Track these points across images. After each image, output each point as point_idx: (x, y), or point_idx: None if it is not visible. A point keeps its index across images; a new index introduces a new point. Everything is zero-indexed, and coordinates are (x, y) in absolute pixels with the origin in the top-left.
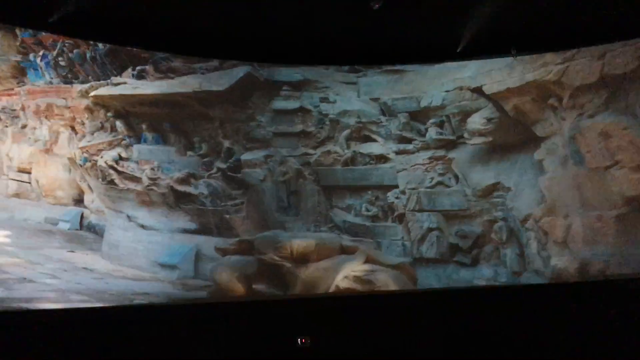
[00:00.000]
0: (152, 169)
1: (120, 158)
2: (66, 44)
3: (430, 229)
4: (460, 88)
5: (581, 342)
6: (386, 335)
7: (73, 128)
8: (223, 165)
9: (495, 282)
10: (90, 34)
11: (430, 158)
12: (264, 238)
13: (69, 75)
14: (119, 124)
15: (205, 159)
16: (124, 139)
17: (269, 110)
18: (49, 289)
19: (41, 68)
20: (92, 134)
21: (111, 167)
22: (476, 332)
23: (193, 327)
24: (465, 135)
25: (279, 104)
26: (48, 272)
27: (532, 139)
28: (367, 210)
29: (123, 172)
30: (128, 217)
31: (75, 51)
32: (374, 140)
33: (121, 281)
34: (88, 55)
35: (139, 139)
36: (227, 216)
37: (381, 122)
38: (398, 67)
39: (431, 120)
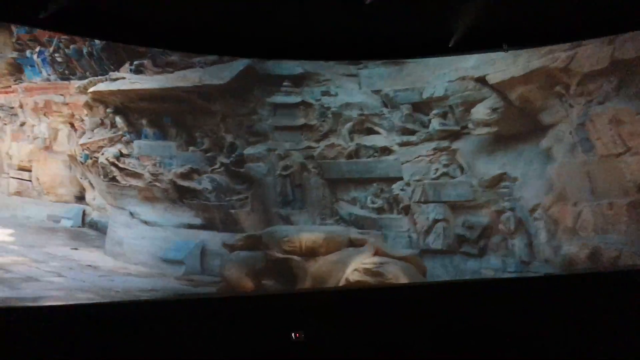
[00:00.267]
0: (154, 164)
1: (121, 154)
2: (62, 40)
3: (436, 220)
4: (463, 78)
5: (592, 334)
6: (394, 328)
7: (72, 125)
8: (226, 160)
9: (503, 273)
10: (86, 31)
11: (434, 149)
12: (270, 233)
13: (66, 72)
14: (118, 119)
15: (208, 154)
16: (124, 135)
17: (270, 104)
18: (55, 287)
19: (38, 65)
20: (92, 130)
21: (112, 163)
22: (486, 323)
23: (200, 322)
24: (470, 125)
25: (280, 98)
26: (53, 270)
27: (537, 127)
28: (373, 202)
29: (124, 169)
30: (131, 213)
31: (71, 47)
32: (377, 133)
33: (126, 278)
34: (85, 50)
35: (139, 135)
36: (232, 211)
37: (383, 114)
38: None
39: (434, 111)
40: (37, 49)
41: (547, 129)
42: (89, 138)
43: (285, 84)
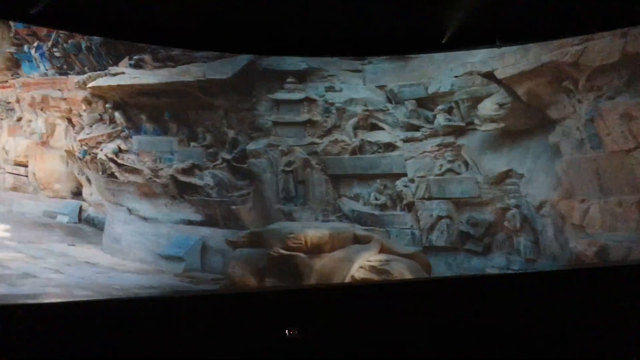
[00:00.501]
0: (153, 160)
1: (120, 150)
2: (61, 35)
3: (440, 217)
4: (470, 73)
5: (598, 329)
6: (395, 324)
7: (70, 120)
8: (228, 156)
9: (507, 271)
10: (82, 27)
11: (439, 145)
12: (275, 229)
13: (64, 66)
14: (117, 115)
15: (209, 150)
16: (123, 131)
17: (274, 99)
18: (53, 284)
19: (36, 59)
20: (91, 126)
21: (111, 159)
22: (490, 319)
23: (200, 319)
24: (476, 121)
25: (284, 95)
26: (51, 267)
27: (544, 122)
28: (376, 199)
29: (123, 165)
30: (129, 210)
31: (70, 41)
32: (381, 129)
33: (125, 275)
34: (83, 45)
35: (138, 131)
36: (234, 207)
37: (388, 109)
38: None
39: (439, 107)
40: (35, 44)
41: (554, 124)
42: (88, 134)
43: (289, 79)
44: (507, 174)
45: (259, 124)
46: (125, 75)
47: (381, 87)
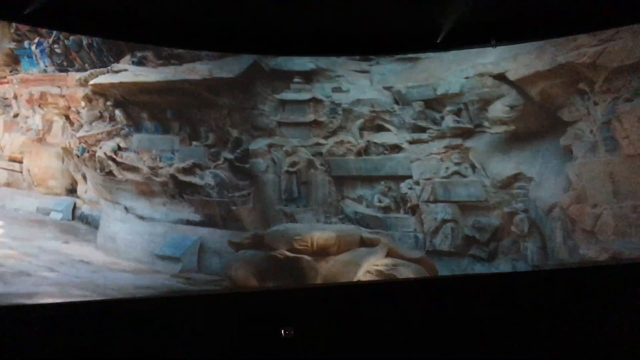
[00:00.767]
0: (153, 158)
1: (119, 148)
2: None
3: (444, 221)
4: (481, 75)
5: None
6: (394, 324)
7: (67, 117)
8: (230, 156)
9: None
10: (85, 27)
11: (445, 147)
12: (280, 231)
13: (65, 63)
14: (118, 113)
15: (212, 149)
16: (123, 129)
17: (280, 99)
18: (47, 283)
19: (36, 56)
20: (91, 123)
21: (110, 157)
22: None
23: (197, 320)
24: (486, 123)
25: (291, 95)
26: (45, 265)
27: (555, 124)
28: (380, 201)
29: (122, 163)
30: (125, 208)
31: (71, 38)
32: (388, 130)
33: (121, 275)
34: (84, 42)
35: (139, 128)
36: (234, 207)
37: (394, 111)
38: (411, 55)
39: (448, 108)
40: (36, 40)
41: (565, 126)
42: (87, 131)
43: (295, 79)
44: (516, 178)
45: (264, 124)
46: (128, 72)
47: (388, 88)
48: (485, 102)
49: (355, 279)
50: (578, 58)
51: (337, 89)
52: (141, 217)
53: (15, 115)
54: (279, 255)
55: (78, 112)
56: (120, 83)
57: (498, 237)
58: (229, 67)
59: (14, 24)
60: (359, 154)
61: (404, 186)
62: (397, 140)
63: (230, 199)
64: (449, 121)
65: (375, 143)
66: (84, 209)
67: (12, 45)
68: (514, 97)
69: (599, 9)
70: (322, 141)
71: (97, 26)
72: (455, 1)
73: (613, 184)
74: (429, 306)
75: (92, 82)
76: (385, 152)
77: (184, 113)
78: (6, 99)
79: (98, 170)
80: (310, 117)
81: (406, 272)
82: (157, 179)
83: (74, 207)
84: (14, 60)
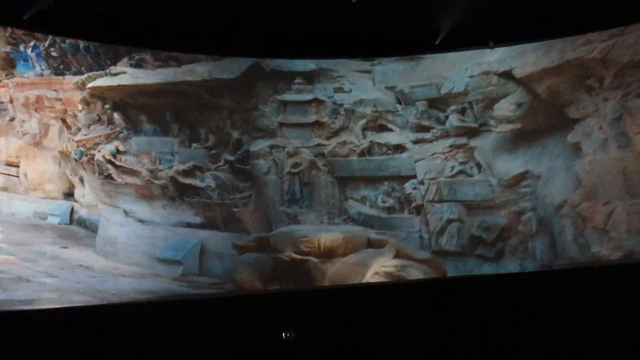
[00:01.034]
0: (152, 161)
1: (118, 151)
2: None
3: (450, 220)
4: (487, 73)
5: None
6: (397, 325)
7: (64, 121)
8: (231, 158)
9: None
10: (82, 32)
11: (450, 146)
12: (285, 233)
13: (61, 66)
14: (116, 116)
15: (212, 151)
16: (122, 132)
17: (281, 100)
18: (48, 288)
19: (32, 59)
20: (88, 127)
21: (108, 161)
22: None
23: (200, 324)
24: (492, 122)
25: (292, 96)
26: (44, 271)
27: (562, 122)
28: (383, 201)
29: (121, 166)
30: (125, 212)
31: (68, 41)
32: (390, 130)
33: (121, 279)
34: (81, 45)
35: (137, 131)
36: (235, 210)
37: (397, 111)
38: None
39: (452, 107)
40: (32, 43)
41: (572, 123)
42: (85, 135)
43: (297, 80)
44: (523, 176)
45: (265, 125)
46: (127, 75)
47: (391, 87)
48: (490, 101)
49: (363, 281)
50: (587, 54)
51: (339, 90)
52: (141, 221)
53: (12, 119)
54: (285, 257)
55: (75, 116)
56: (119, 86)
57: (505, 236)
58: (229, 68)
59: (9, 27)
60: (362, 154)
61: (408, 186)
62: (400, 140)
63: (231, 201)
64: (453, 120)
65: (378, 143)
66: (82, 212)
67: (8, 48)
68: (520, 95)
69: (600, 9)
70: (324, 142)
71: (95, 31)
72: (454, 3)
73: (625, 181)
74: (437, 307)
75: (89, 85)
76: (389, 152)
77: (183, 115)
78: (2, 102)
79: (97, 174)
80: (312, 117)
81: (415, 273)
82: (157, 182)
83: (72, 211)
84: (9, 64)
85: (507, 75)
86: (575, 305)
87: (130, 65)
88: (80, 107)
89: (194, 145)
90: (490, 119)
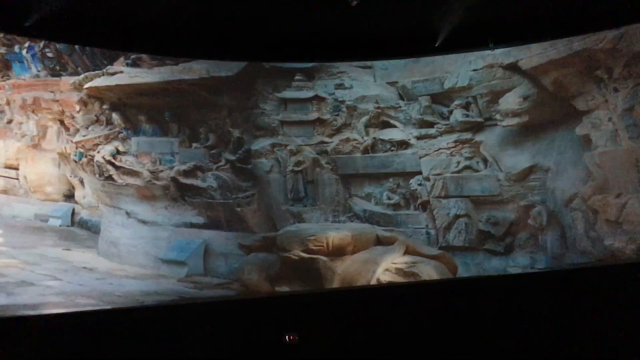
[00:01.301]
0: (153, 161)
1: (118, 152)
2: None
3: (457, 216)
4: (491, 66)
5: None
6: (403, 325)
7: (62, 122)
8: (232, 157)
9: (532, 270)
10: (78, 37)
11: (455, 142)
12: (292, 231)
13: (57, 67)
14: (115, 116)
15: (212, 151)
16: (121, 132)
17: (281, 97)
18: (53, 292)
19: (27, 60)
20: (87, 127)
21: (108, 162)
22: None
23: (209, 325)
24: (497, 116)
25: (292, 93)
26: (48, 274)
27: (570, 114)
28: (389, 198)
29: (121, 167)
30: (127, 213)
31: None
32: (394, 126)
33: (126, 281)
34: (77, 45)
35: (136, 131)
36: (238, 209)
37: (400, 106)
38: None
39: (455, 102)
40: (27, 44)
41: (580, 115)
42: (84, 136)
43: (297, 77)
44: (531, 169)
45: (265, 123)
46: (124, 74)
47: (392, 83)
48: (495, 95)
49: (374, 278)
50: (596, 44)
51: (339, 86)
52: (143, 222)
53: (9, 122)
54: (293, 256)
55: (73, 117)
56: (117, 85)
57: (514, 230)
58: (227, 66)
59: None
60: (365, 151)
61: (413, 182)
62: (404, 136)
63: (234, 201)
64: (457, 115)
65: (381, 140)
66: (83, 214)
67: (3, 50)
68: (527, 88)
69: (599, 9)
70: (326, 139)
71: (92, 35)
72: (453, 5)
73: (638, 172)
74: (448, 307)
75: (87, 85)
76: (393, 148)
77: (182, 114)
78: None
79: (97, 175)
80: (314, 115)
81: (426, 268)
82: (158, 183)
83: (73, 213)
84: (5, 66)
85: (513, 67)
86: (588, 304)
87: (127, 64)
88: (77, 108)
89: (194, 145)
90: (496, 113)
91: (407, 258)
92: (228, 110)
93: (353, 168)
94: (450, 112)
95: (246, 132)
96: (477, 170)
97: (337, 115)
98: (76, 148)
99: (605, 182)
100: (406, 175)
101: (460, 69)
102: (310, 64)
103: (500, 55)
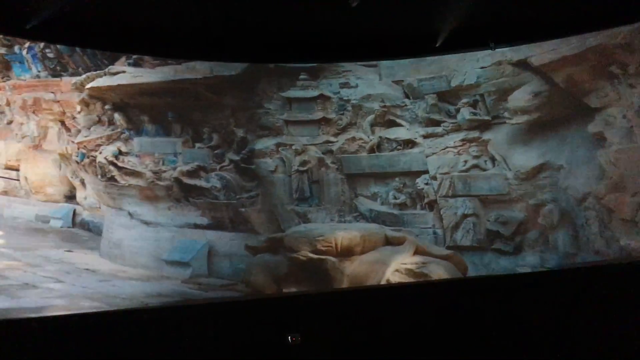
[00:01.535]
0: (156, 162)
1: (120, 153)
2: None
3: (465, 215)
4: (499, 63)
5: None
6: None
7: (63, 123)
8: (236, 157)
9: (542, 270)
10: (79, 39)
11: (462, 140)
12: (300, 232)
13: (58, 68)
14: (117, 116)
15: (216, 151)
16: (123, 132)
17: (286, 96)
18: (56, 295)
19: (28, 61)
20: (89, 128)
21: (111, 162)
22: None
23: (216, 327)
24: (506, 114)
25: (297, 93)
26: (50, 276)
27: (581, 111)
28: (395, 197)
29: (124, 168)
30: (130, 214)
31: None
32: (400, 125)
33: (129, 282)
34: (79, 47)
35: (139, 132)
36: (242, 209)
37: (405, 105)
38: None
39: (463, 100)
40: (27, 45)
41: (592, 112)
42: (86, 136)
43: (301, 76)
44: (542, 168)
45: (270, 123)
46: (126, 74)
47: (398, 81)
48: (503, 92)
49: (383, 279)
50: (611, 39)
51: (345, 85)
52: (146, 223)
53: (9, 122)
54: (301, 257)
55: (74, 118)
56: (119, 85)
57: (523, 230)
58: (230, 64)
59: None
60: (371, 150)
61: (420, 181)
62: (410, 135)
63: (238, 201)
64: (465, 113)
65: (387, 139)
66: (84, 215)
67: (3, 50)
68: (537, 84)
69: (614, 3)
70: (332, 139)
71: (92, 38)
72: (454, 4)
73: None
74: (457, 307)
75: (89, 85)
76: (399, 147)
77: (185, 114)
78: None
79: (99, 176)
80: (319, 114)
81: (437, 269)
82: (161, 183)
83: (74, 214)
84: (5, 66)
85: (523, 64)
86: (602, 303)
87: (129, 64)
88: (78, 108)
89: (198, 145)
90: (504, 111)
91: (417, 258)
92: (232, 110)
93: (359, 167)
94: (458, 111)
95: (250, 131)
96: (484, 169)
97: (343, 114)
98: (78, 149)
99: (620, 180)
100: (412, 175)
101: (467, 66)
102: (314, 63)
103: (510, 52)
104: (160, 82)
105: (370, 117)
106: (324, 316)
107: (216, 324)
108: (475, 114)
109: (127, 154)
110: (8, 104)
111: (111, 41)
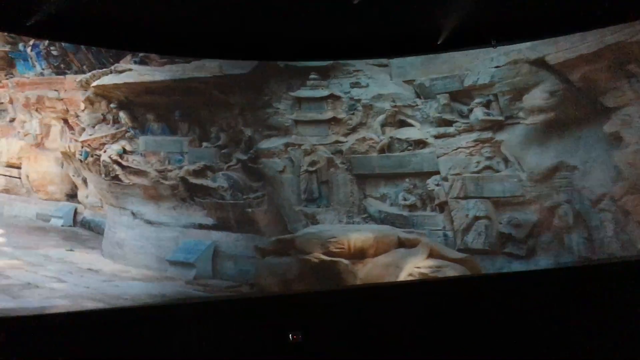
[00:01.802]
0: (160, 161)
1: (125, 151)
2: None
3: (476, 217)
4: (515, 62)
5: None
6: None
7: (66, 121)
8: (243, 157)
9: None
10: (84, 37)
11: (475, 141)
12: (312, 233)
13: (62, 66)
14: (122, 115)
15: (223, 150)
16: (128, 131)
17: (295, 96)
18: (58, 295)
19: (32, 58)
20: (93, 126)
21: (115, 161)
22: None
23: (219, 327)
24: (520, 114)
25: (307, 92)
26: (52, 275)
27: (597, 110)
28: (405, 199)
29: (128, 167)
30: (133, 213)
31: None
32: (411, 125)
33: (132, 283)
34: (84, 45)
35: (144, 130)
36: (249, 210)
37: (417, 105)
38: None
39: (476, 100)
40: (31, 42)
41: (609, 112)
42: (90, 135)
43: (312, 76)
44: (557, 168)
45: (279, 123)
46: (133, 72)
47: (409, 81)
48: (518, 92)
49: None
50: (630, 36)
51: (355, 84)
52: (149, 222)
53: (12, 120)
54: (313, 259)
55: (77, 116)
56: (125, 84)
57: (536, 232)
58: (240, 64)
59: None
60: (381, 150)
61: (430, 183)
62: (421, 135)
63: (244, 201)
64: (478, 113)
65: (398, 139)
66: (86, 214)
67: (7, 47)
68: (553, 83)
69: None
70: (341, 139)
71: (98, 35)
72: (456, 2)
73: None
74: (462, 306)
75: (94, 83)
76: (410, 148)
77: (192, 113)
78: (2, 103)
79: (103, 175)
80: (329, 114)
81: (451, 273)
82: (167, 182)
83: (75, 213)
84: (8, 64)
85: (540, 63)
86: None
87: (135, 62)
88: (82, 106)
89: (205, 144)
90: (518, 111)
91: (431, 262)
92: (240, 109)
93: (368, 168)
94: (470, 111)
95: (258, 131)
96: (497, 171)
97: (353, 114)
98: (82, 147)
99: (638, 182)
100: (423, 176)
101: (481, 65)
102: (325, 62)
103: (526, 50)
104: (168, 81)
105: (381, 117)
106: (330, 315)
107: (217, 323)
108: (488, 114)
109: (131, 152)
110: (11, 101)
111: (118, 39)
